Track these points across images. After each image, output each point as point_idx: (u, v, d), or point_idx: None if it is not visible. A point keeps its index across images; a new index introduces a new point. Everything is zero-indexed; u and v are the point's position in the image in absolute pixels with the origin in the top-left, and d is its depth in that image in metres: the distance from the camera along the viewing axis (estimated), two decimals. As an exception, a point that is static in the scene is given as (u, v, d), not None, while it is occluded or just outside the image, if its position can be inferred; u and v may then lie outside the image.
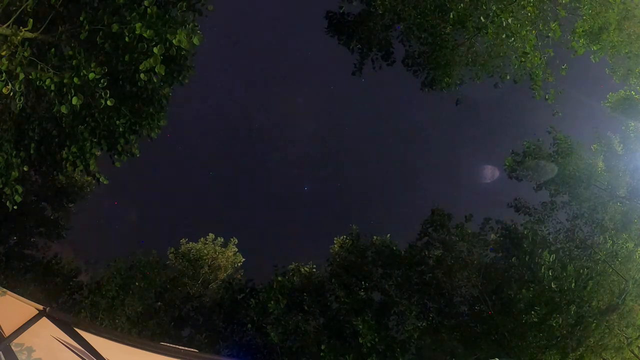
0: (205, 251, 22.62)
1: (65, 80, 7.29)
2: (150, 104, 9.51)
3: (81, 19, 7.65)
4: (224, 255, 23.12)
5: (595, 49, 12.20)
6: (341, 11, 13.75)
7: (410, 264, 19.25)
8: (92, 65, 7.39)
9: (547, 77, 11.39)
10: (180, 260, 22.18)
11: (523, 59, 11.34)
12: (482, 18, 11.02)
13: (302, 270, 20.20)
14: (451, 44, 12.80)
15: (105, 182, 9.52)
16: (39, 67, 7.39)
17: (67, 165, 9.10)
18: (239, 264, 23.67)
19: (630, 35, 12.17)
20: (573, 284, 14.92)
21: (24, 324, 5.97)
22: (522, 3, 10.61)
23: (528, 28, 10.95)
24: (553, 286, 14.96)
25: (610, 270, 15.87)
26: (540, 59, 11.18)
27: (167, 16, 7.58)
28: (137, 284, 18.44)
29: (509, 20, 10.51)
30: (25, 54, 7.17)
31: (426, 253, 19.23)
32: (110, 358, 6.19)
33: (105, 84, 7.52)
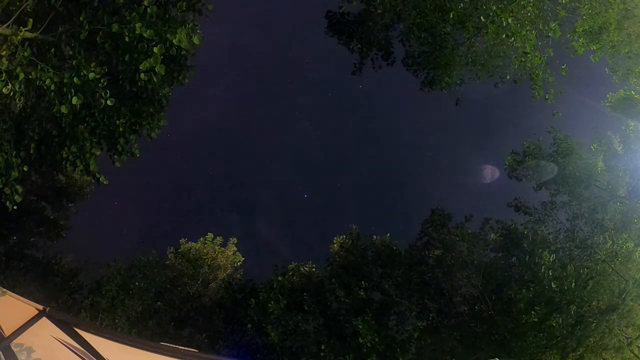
0: (204, 251, 22.63)
1: (65, 80, 7.29)
2: (150, 104, 9.51)
3: (81, 19, 7.65)
4: (223, 254, 23.14)
5: (595, 48, 12.20)
6: (341, 11, 13.77)
7: (410, 264, 19.26)
8: (92, 65, 7.40)
9: (547, 77, 11.39)
10: (180, 260, 22.17)
11: (523, 59, 11.34)
12: (482, 18, 11.02)
13: (302, 270, 20.21)
14: (451, 44, 12.81)
15: (105, 182, 9.52)
16: (39, 67, 7.39)
17: (67, 165, 9.10)
18: (239, 264, 23.68)
19: (630, 35, 12.18)
20: (573, 284, 14.92)
21: (24, 324, 5.95)
22: (522, 3, 10.61)
23: (528, 28, 10.95)
24: (553, 286, 14.97)
25: (610, 270, 15.87)
26: (540, 59, 11.18)
27: (167, 16, 7.58)
28: (137, 284, 18.41)
29: (509, 20, 10.51)
30: (25, 54, 7.17)
31: (426, 253, 19.25)
32: (110, 358, 6.18)
33: (105, 84, 7.52)
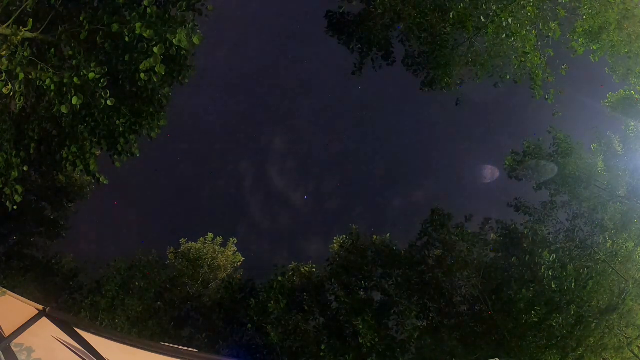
0: (204, 251, 22.63)
1: (65, 80, 7.30)
2: (150, 104, 9.53)
3: (81, 19, 7.66)
4: (223, 254, 23.14)
5: (595, 48, 12.22)
6: (341, 11, 13.79)
7: (410, 264, 19.24)
8: (92, 65, 7.40)
9: (547, 77, 11.40)
10: (180, 260, 22.17)
11: (523, 59, 11.36)
12: (482, 18, 11.04)
13: (302, 270, 20.19)
14: (451, 44, 12.83)
15: (105, 182, 9.53)
16: (39, 67, 7.39)
17: (67, 165, 9.12)
18: (239, 264, 23.68)
19: (630, 35, 12.19)
20: (573, 284, 14.90)
21: (24, 324, 5.96)
22: (522, 3, 10.62)
23: (528, 28, 10.97)
24: (553, 286, 14.95)
25: (610, 270, 15.85)
26: (540, 59, 11.19)
27: (167, 16, 7.58)
28: (137, 284, 18.43)
29: (509, 20, 10.52)
30: (25, 54, 7.17)
31: (426, 253, 19.23)
32: (110, 358, 6.19)
33: (105, 84, 7.53)
